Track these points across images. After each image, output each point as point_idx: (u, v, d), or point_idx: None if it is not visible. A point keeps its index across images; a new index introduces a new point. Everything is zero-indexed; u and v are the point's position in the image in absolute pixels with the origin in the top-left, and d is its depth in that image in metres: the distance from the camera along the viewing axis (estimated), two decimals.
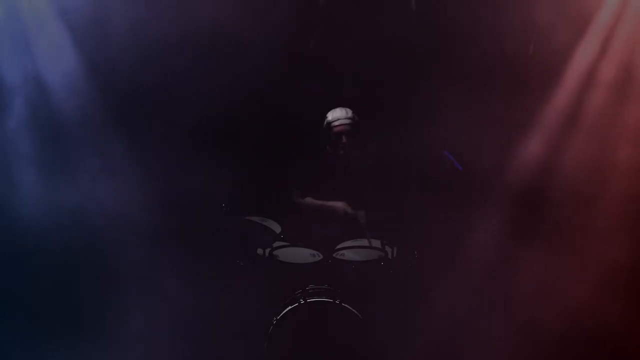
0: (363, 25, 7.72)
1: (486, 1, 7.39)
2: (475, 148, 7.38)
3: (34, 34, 7.17)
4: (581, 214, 7.28)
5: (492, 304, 7.19)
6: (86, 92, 7.35)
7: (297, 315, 6.58)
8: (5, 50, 7.13)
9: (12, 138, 7.20)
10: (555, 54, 7.35)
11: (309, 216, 7.34)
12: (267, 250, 6.92)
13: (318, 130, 7.37)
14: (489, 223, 7.40)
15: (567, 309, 7.07)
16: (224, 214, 6.95)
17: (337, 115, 7.28)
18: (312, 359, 6.60)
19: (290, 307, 6.59)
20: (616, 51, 7.25)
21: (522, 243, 7.25)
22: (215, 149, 7.58)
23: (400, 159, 7.47)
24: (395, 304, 6.83)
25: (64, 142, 7.34)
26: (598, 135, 7.30)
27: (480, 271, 7.26)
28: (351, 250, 6.95)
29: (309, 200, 7.37)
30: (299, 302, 6.58)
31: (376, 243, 6.94)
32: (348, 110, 7.29)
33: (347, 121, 7.26)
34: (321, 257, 6.93)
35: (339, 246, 6.99)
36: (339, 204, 7.30)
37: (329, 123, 7.29)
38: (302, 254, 6.97)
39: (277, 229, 7.08)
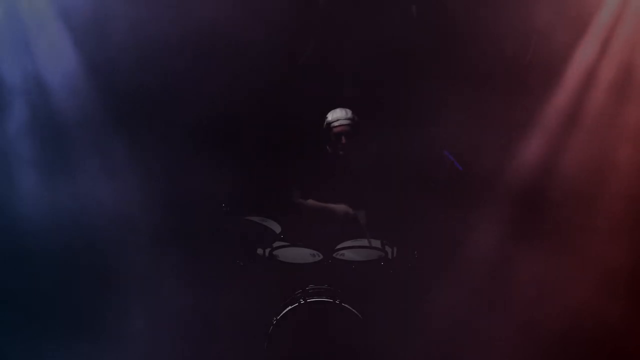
0: (363, 25, 7.72)
1: (486, 1, 7.39)
2: (475, 148, 7.38)
3: (34, 34, 7.17)
4: (581, 214, 7.28)
5: (492, 304, 7.19)
6: (86, 92, 7.35)
7: (297, 315, 6.58)
8: (5, 50, 7.13)
9: (12, 138, 7.19)
10: (555, 54, 7.35)
11: (309, 217, 7.34)
12: (267, 250, 6.92)
13: (318, 130, 7.37)
14: (489, 223, 7.40)
15: (567, 309, 7.07)
16: (224, 214, 6.95)
17: (337, 115, 7.28)
18: (312, 359, 6.60)
19: (290, 307, 6.59)
20: (616, 51, 7.24)
21: (522, 243, 7.25)
22: (215, 149, 7.57)
23: (400, 159, 7.47)
24: (395, 304, 6.83)
25: (64, 142, 7.34)
26: (598, 135, 7.30)
27: (480, 271, 7.26)
28: (351, 250, 6.95)
29: (310, 201, 7.36)
30: (299, 302, 6.58)
31: (376, 243, 6.94)
32: (348, 110, 7.29)
33: (347, 122, 7.26)
34: (321, 257, 6.93)
35: (339, 246, 6.99)
36: (340, 207, 7.30)
37: (329, 124, 7.29)
38: (302, 254, 6.97)
39: (277, 229, 7.08)
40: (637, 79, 7.18)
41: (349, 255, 6.93)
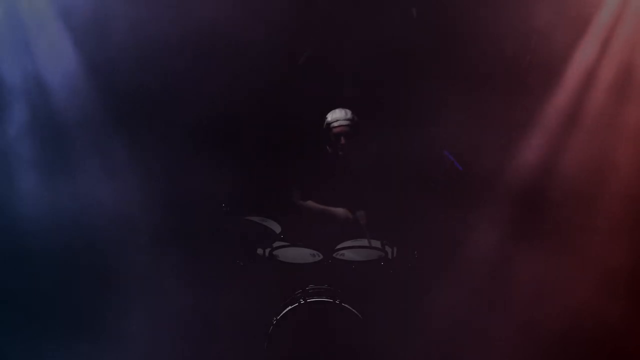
0: (363, 25, 7.72)
1: (486, 1, 7.39)
2: (475, 148, 7.38)
3: (34, 34, 7.17)
4: (581, 214, 7.28)
5: (492, 304, 7.19)
6: (86, 92, 7.35)
7: (297, 315, 6.58)
8: (5, 50, 7.13)
9: (12, 138, 7.19)
10: (555, 54, 7.35)
11: (309, 217, 7.34)
12: (267, 250, 6.92)
13: (318, 130, 7.37)
14: (489, 223, 7.40)
15: (567, 309, 7.07)
16: (224, 214, 6.95)
17: (336, 116, 7.28)
18: (312, 359, 6.60)
19: (290, 307, 6.59)
20: (616, 51, 7.24)
21: (522, 243, 7.25)
22: (215, 149, 7.58)
23: (400, 159, 7.47)
24: (395, 304, 6.83)
25: (64, 142, 7.34)
26: (598, 135, 7.30)
27: (480, 271, 7.26)
28: (351, 250, 6.95)
29: (310, 203, 7.36)
30: (299, 302, 6.58)
31: (376, 243, 6.94)
32: (347, 111, 7.29)
33: (346, 122, 7.26)
34: (321, 257, 6.93)
35: (339, 246, 6.99)
36: (339, 211, 7.31)
37: (328, 124, 7.29)
38: (302, 254, 6.97)
39: (277, 229, 7.08)
40: (637, 79, 7.18)
41: (349, 255, 6.93)
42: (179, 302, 7.12)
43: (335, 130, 7.27)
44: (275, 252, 6.92)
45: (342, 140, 7.27)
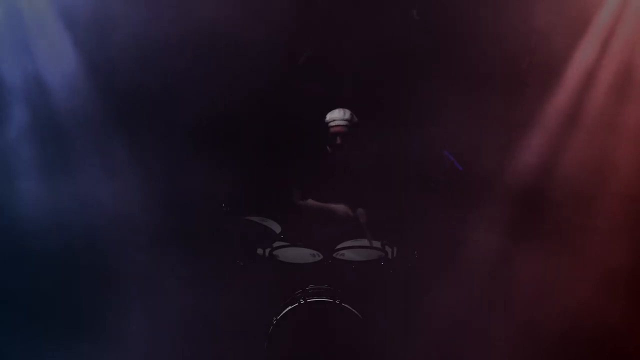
0: (363, 25, 7.71)
1: (486, 1, 7.38)
2: (475, 148, 7.38)
3: (34, 34, 7.17)
4: (581, 214, 7.28)
5: (492, 304, 7.19)
6: (86, 92, 7.35)
7: (297, 315, 6.57)
8: (5, 50, 7.13)
9: (12, 138, 7.19)
10: (555, 54, 7.35)
11: (309, 217, 7.34)
12: (267, 250, 6.92)
13: (318, 130, 7.37)
14: (489, 223, 7.40)
15: (567, 309, 7.07)
16: (224, 214, 6.95)
17: (334, 116, 7.29)
18: (312, 359, 6.60)
19: (290, 307, 6.59)
20: (616, 51, 7.24)
21: (522, 243, 7.25)
22: (215, 149, 7.57)
23: (400, 159, 7.47)
24: (395, 304, 6.83)
25: (64, 143, 7.34)
26: (598, 135, 7.29)
27: (480, 271, 7.25)
28: (351, 250, 6.95)
29: (310, 202, 7.37)
30: (299, 302, 6.58)
31: (376, 243, 6.94)
32: (346, 111, 7.29)
33: (343, 122, 7.26)
34: (321, 257, 6.93)
35: (339, 246, 6.99)
36: (340, 207, 7.31)
37: (327, 123, 7.30)
38: (302, 254, 6.97)
39: (277, 229, 7.08)
40: (637, 79, 7.18)
41: (349, 255, 6.93)
42: (179, 302, 7.12)
43: (331, 129, 7.28)
44: (275, 252, 6.93)
45: (338, 140, 7.27)
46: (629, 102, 7.21)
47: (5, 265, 7.07)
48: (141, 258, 7.29)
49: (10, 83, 7.16)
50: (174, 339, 6.98)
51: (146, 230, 7.37)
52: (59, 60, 7.25)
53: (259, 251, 6.95)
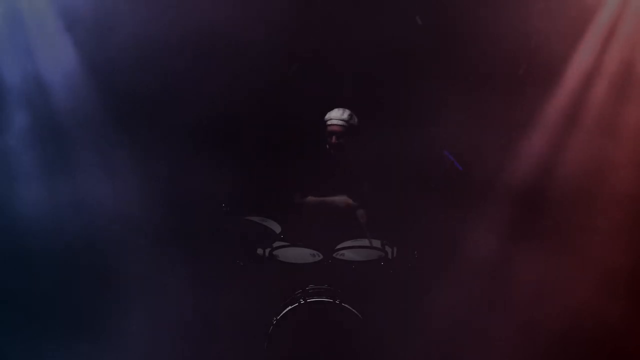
0: (363, 25, 7.71)
1: (486, 1, 7.38)
2: (475, 148, 7.38)
3: (34, 34, 7.17)
4: (581, 214, 7.28)
5: (492, 304, 7.19)
6: (86, 92, 7.35)
7: (297, 315, 6.58)
8: (5, 50, 7.13)
9: (12, 138, 7.19)
10: (555, 54, 7.35)
11: (309, 215, 7.34)
12: (267, 250, 6.92)
13: (318, 130, 7.37)
14: (489, 223, 7.40)
15: (567, 309, 7.07)
16: (224, 214, 6.95)
17: (332, 115, 7.30)
18: (312, 359, 6.60)
19: (290, 307, 6.59)
20: (616, 51, 7.24)
21: (522, 243, 7.25)
22: (215, 149, 7.58)
23: (400, 159, 7.47)
24: (395, 304, 6.83)
25: (64, 143, 7.34)
26: (598, 135, 7.29)
27: (480, 271, 7.25)
28: (351, 250, 6.95)
29: (309, 198, 7.37)
30: (299, 302, 6.58)
31: (376, 243, 6.94)
32: (345, 111, 7.29)
33: (339, 122, 7.26)
34: (321, 257, 6.93)
35: (339, 246, 6.99)
36: (340, 199, 7.31)
37: (325, 122, 7.31)
38: (302, 254, 6.97)
39: (277, 229, 7.08)
40: (637, 79, 7.18)
41: (349, 255, 6.93)
42: (179, 302, 7.13)
43: (328, 128, 7.29)
44: (275, 252, 6.93)
45: (334, 139, 7.27)
46: (629, 102, 7.21)
47: (5, 265, 7.07)
48: (141, 258, 7.29)
49: (10, 83, 7.16)
50: (174, 339, 6.98)
51: (146, 230, 7.37)
52: (59, 60, 7.25)
53: (259, 251, 6.95)
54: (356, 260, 6.89)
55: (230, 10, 7.31)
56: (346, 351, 6.58)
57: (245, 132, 7.86)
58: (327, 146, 7.32)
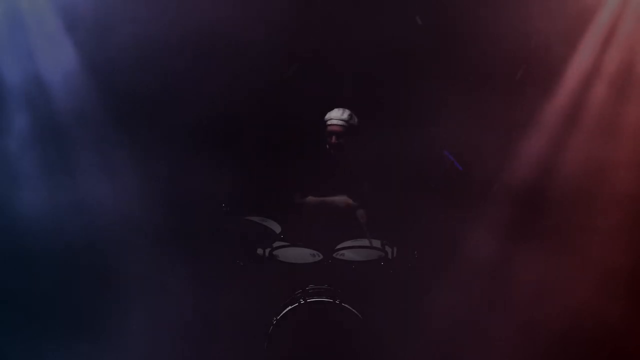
0: (363, 25, 7.71)
1: (486, 1, 7.38)
2: (475, 148, 7.38)
3: (34, 34, 7.17)
4: (581, 214, 7.28)
5: (492, 304, 7.19)
6: (86, 92, 7.35)
7: (297, 315, 6.57)
8: (5, 50, 7.13)
9: (12, 138, 7.19)
10: (556, 54, 7.35)
11: (309, 215, 7.34)
12: (267, 250, 6.92)
13: (318, 130, 7.37)
14: (489, 223, 7.40)
15: (567, 309, 7.07)
16: (224, 214, 6.95)
17: (332, 115, 7.30)
18: (312, 359, 6.60)
19: (290, 307, 6.59)
20: (616, 51, 7.24)
21: (522, 243, 7.24)
22: (215, 149, 7.58)
23: (400, 159, 7.47)
24: (395, 304, 6.83)
25: (64, 142, 7.34)
26: (598, 135, 7.29)
27: (480, 271, 7.25)
28: (351, 250, 6.95)
29: (309, 198, 7.37)
30: (299, 302, 6.58)
31: (376, 243, 6.94)
32: (345, 111, 7.29)
33: (339, 122, 7.26)
34: (321, 257, 6.93)
35: (339, 246, 6.99)
36: (339, 199, 7.31)
37: (325, 122, 7.31)
38: (302, 254, 6.97)
39: (277, 229, 7.08)
40: (637, 79, 7.18)
41: (349, 255, 6.93)
42: (179, 302, 7.12)
43: (328, 128, 7.29)
44: (275, 252, 6.93)
45: (333, 139, 7.27)
46: (629, 102, 7.21)
47: (5, 265, 7.07)
48: (141, 258, 7.29)
49: (10, 83, 7.16)
50: (174, 339, 6.98)
51: (146, 230, 7.37)
52: (59, 60, 7.25)
53: (259, 251, 6.95)
54: (356, 260, 6.89)
55: (230, 10, 7.31)
56: (346, 351, 6.58)
57: (245, 132, 7.86)
58: (327, 146, 7.32)
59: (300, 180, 7.41)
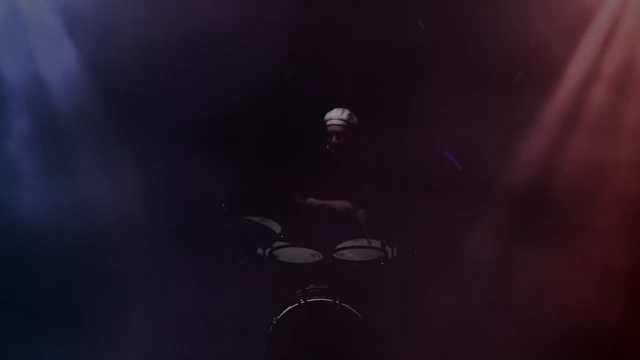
0: (363, 25, 7.71)
1: (486, 1, 7.39)
2: (475, 148, 7.38)
3: (34, 34, 7.17)
4: (581, 214, 7.28)
5: (492, 304, 7.19)
6: (86, 92, 7.35)
7: (297, 315, 6.57)
8: (5, 50, 7.13)
9: (12, 138, 7.19)
10: (555, 54, 7.35)
11: (309, 216, 7.34)
12: (267, 250, 6.92)
13: (318, 130, 7.38)
14: (489, 223, 7.40)
15: (567, 309, 7.07)
16: (224, 214, 6.95)
17: (332, 115, 7.30)
18: (312, 359, 6.60)
19: (290, 307, 6.59)
20: (616, 51, 7.24)
21: (522, 243, 7.24)
22: (215, 149, 7.58)
23: (400, 159, 7.47)
24: (395, 304, 6.83)
25: (64, 142, 7.34)
26: (598, 135, 7.29)
27: (480, 271, 7.25)
28: (351, 250, 6.95)
29: (310, 200, 7.37)
30: (299, 302, 6.58)
31: (376, 243, 6.94)
32: (345, 111, 7.29)
33: (339, 122, 7.26)
34: (321, 257, 6.93)
35: (339, 246, 6.99)
36: (340, 203, 7.31)
37: (325, 122, 7.31)
38: (302, 254, 6.97)
39: (277, 229, 7.08)
40: (637, 79, 7.18)
41: (349, 255, 6.93)
42: (179, 302, 7.12)
43: (328, 128, 7.29)
44: (275, 252, 6.92)
45: (334, 139, 7.27)
46: (629, 102, 7.21)
47: (5, 265, 7.07)
48: (141, 258, 7.29)
49: (10, 83, 7.16)
50: (174, 339, 6.98)
51: (146, 230, 7.37)
52: (59, 60, 7.25)
53: (259, 251, 6.95)
54: (356, 260, 6.89)
55: (230, 10, 7.31)
56: (346, 351, 6.58)
57: (245, 132, 7.86)
58: (327, 146, 7.32)
59: (301, 180, 7.41)
